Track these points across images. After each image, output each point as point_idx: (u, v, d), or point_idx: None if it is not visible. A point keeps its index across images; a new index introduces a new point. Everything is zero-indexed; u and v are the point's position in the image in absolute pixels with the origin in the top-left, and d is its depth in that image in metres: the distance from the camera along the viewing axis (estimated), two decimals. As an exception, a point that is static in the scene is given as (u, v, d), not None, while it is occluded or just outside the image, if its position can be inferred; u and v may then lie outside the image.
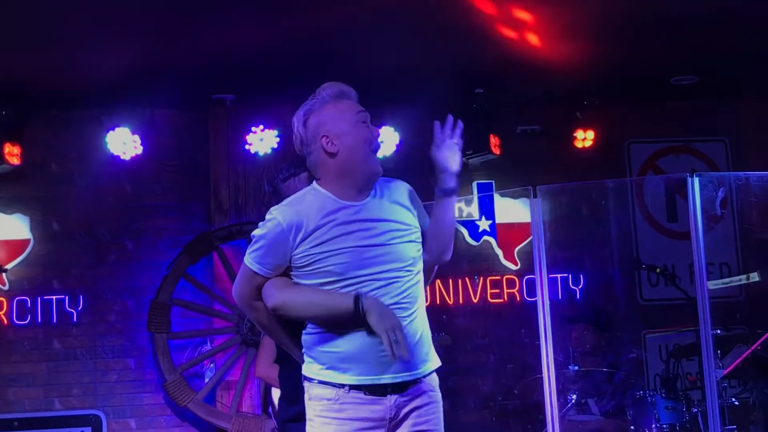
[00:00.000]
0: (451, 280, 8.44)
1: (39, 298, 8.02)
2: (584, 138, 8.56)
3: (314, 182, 3.71)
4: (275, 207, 3.65)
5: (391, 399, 3.57)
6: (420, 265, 3.72)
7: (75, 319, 8.06)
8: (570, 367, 7.31)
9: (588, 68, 7.74)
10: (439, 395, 3.74)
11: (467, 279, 8.51)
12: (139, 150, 7.96)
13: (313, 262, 3.57)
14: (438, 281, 8.34)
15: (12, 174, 7.86)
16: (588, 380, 7.36)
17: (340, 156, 3.63)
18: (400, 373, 3.56)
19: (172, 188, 8.37)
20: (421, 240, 3.76)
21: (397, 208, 3.72)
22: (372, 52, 7.22)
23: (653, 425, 6.94)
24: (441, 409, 3.74)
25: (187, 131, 8.34)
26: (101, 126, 7.93)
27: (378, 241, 3.59)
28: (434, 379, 3.73)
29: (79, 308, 8.06)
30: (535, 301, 6.47)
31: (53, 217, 8.14)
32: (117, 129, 7.88)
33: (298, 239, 3.56)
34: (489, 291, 8.57)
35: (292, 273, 3.64)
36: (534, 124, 8.72)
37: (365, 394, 3.55)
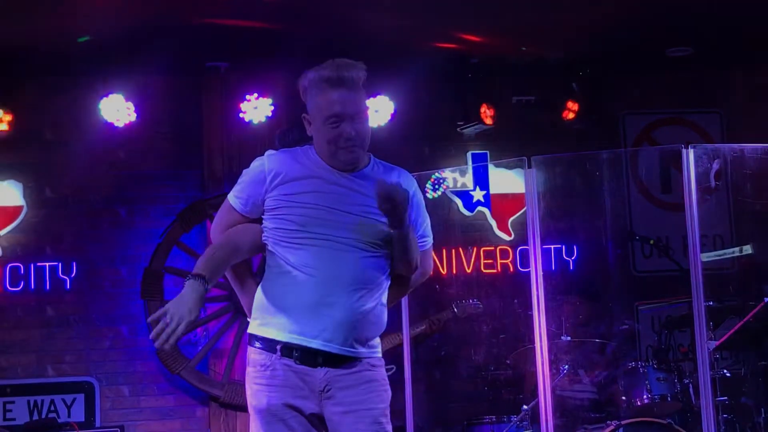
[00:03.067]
0: (444, 250, 8.44)
1: (32, 265, 8.00)
2: (579, 109, 8.53)
3: (311, 146, 3.77)
4: (269, 151, 3.76)
5: (322, 371, 3.59)
6: (387, 253, 3.70)
7: (68, 286, 8.05)
8: (562, 337, 7.31)
9: (583, 39, 7.72)
10: (379, 374, 3.71)
11: (461, 249, 8.51)
12: (133, 117, 7.92)
13: (280, 206, 3.64)
14: (431, 251, 8.32)
15: (5, 141, 7.83)
16: (580, 351, 7.37)
17: (315, 142, 3.74)
18: (330, 342, 3.57)
19: (166, 156, 8.35)
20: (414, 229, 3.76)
21: None
22: (367, 20, 7.18)
23: (645, 396, 6.96)
24: (381, 387, 3.70)
25: (181, 99, 8.31)
26: (95, 92, 7.88)
27: (349, 209, 3.63)
28: (375, 360, 3.72)
29: (72, 275, 8.05)
30: (529, 272, 6.47)
31: (46, 184, 8.11)
32: (111, 96, 7.84)
33: (275, 183, 3.66)
34: (482, 261, 8.57)
35: (263, 216, 3.71)
36: (529, 95, 8.70)
37: (296, 362, 3.58)
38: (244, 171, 3.80)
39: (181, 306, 3.53)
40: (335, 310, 3.57)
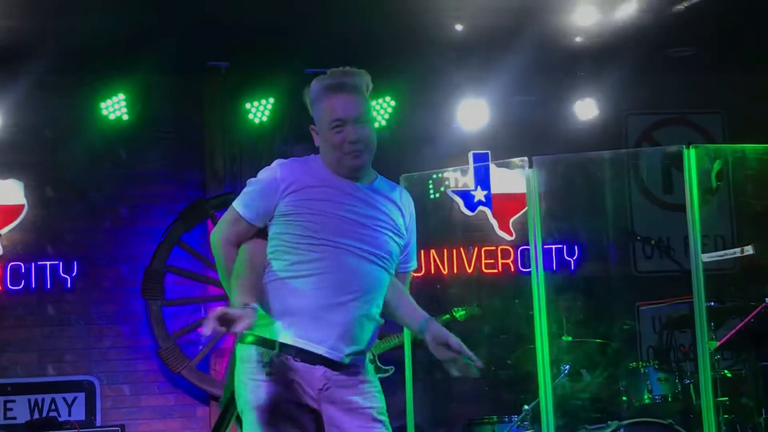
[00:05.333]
0: (445, 250, 8.43)
1: (33, 264, 8.00)
2: (581, 109, 8.53)
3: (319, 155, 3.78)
4: (278, 160, 3.75)
5: (320, 370, 3.59)
6: (392, 268, 3.75)
7: (69, 285, 8.05)
8: (563, 338, 7.32)
9: (585, 39, 7.71)
10: (372, 375, 3.76)
11: (462, 249, 8.50)
12: (134, 116, 7.93)
13: (294, 212, 3.63)
14: (432, 251, 8.34)
15: (6, 139, 7.83)
16: (581, 351, 7.37)
17: (322, 151, 3.74)
18: (333, 350, 3.58)
19: (167, 155, 8.35)
20: (401, 249, 3.79)
21: (394, 208, 3.78)
22: (368, 19, 7.18)
23: (645, 396, 6.96)
24: (378, 388, 3.74)
25: (182, 98, 8.31)
26: (96, 91, 7.90)
27: (362, 220, 3.65)
28: (368, 365, 3.77)
29: (73, 274, 8.05)
30: (530, 272, 6.47)
31: (47, 182, 8.12)
32: (112, 95, 7.85)
33: (289, 190, 3.64)
34: (483, 261, 8.56)
35: (271, 222, 3.68)
36: (530, 95, 8.69)
37: (294, 360, 3.57)
38: (251, 180, 3.76)
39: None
40: (341, 317, 3.58)
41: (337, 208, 3.63)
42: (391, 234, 3.71)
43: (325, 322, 3.57)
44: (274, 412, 3.57)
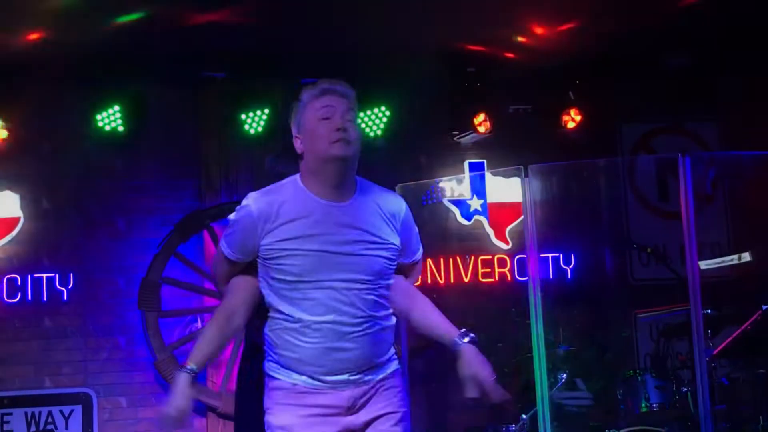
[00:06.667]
0: (442, 260, 8.44)
1: (29, 276, 7.98)
2: (576, 118, 8.54)
3: (297, 175, 3.73)
4: (252, 193, 3.69)
5: (348, 392, 3.62)
6: (387, 281, 3.72)
7: (65, 297, 8.03)
8: (560, 346, 7.32)
9: (580, 47, 7.73)
10: (397, 381, 3.78)
11: (458, 258, 8.50)
12: (130, 127, 7.92)
13: (275, 257, 3.60)
14: (429, 260, 8.34)
15: (2, 151, 7.82)
16: (578, 359, 7.37)
17: (306, 156, 3.67)
18: (352, 375, 3.61)
19: (163, 166, 8.34)
20: (395, 256, 3.74)
21: (378, 221, 3.70)
22: (363, 29, 7.19)
23: (643, 404, 6.96)
24: (403, 392, 3.77)
25: (177, 109, 8.29)
26: (92, 103, 7.89)
27: (344, 249, 3.59)
28: (396, 371, 3.78)
29: (70, 286, 8.03)
30: (526, 281, 6.47)
31: (43, 194, 8.10)
32: (107, 106, 7.85)
33: (267, 229, 3.60)
34: (480, 270, 8.56)
35: (259, 261, 3.68)
36: (526, 104, 8.70)
37: (322, 385, 3.61)
38: (231, 219, 3.73)
39: (173, 401, 3.71)
40: (351, 353, 3.59)
41: (318, 243, 3.57)
42: (377, 252, 3.66)
43: (336, 361, 3.59)
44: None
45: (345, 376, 3.61)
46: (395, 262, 3.75)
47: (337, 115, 3.62)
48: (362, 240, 3.63)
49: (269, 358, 3.72)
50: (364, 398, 3.65)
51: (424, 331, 3.83)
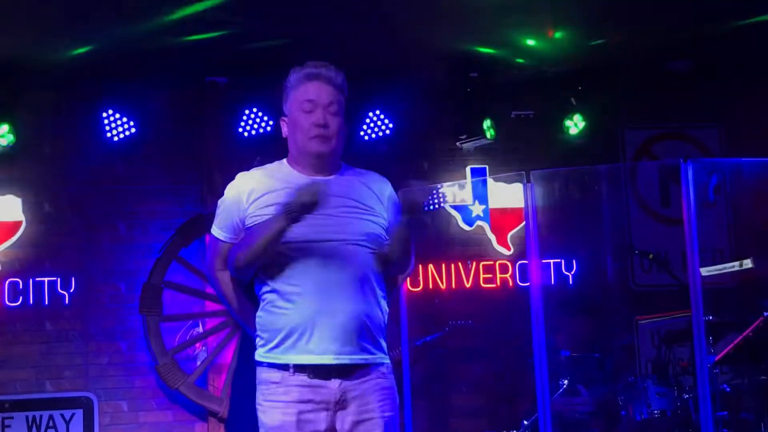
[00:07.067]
0: (444, 265, 8.43)
1: (31, 280, 7.98)
2: (578, 123, 8.54)
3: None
4: (241, 173, 3.80)
5: (336, 383, 3.60)
6: (379, 248, 3.71)
7: (67, 301, 8.03)
8: (562, 352, 7.31)
9: (582, 53, 7.73)
10: (390, 381, 3.75)
11: (460, 264, 8.50)
12: (132, 132, 7.94)
13: (260, 222, 3.63)
14: (431, 266, 8.33)
15: (4, 155, 7.83)
16: (579, 366, 7.37)
17: (289, 141, 3.80)
18: (340, 354, 3.58)
19: (165, 170, 8.34)
20: (384, 228, 3.76)
21: (365, 191, 3.76)
22: (366, 34, 7.19)
23: (644, 411, 6.95)
24: (393, 395, 3.75)
25: (180, 113, 8.30)
26: (94, 107, 7.90)
27: (329, 212, 3.61)
28: (385, 367, 3.75)
29: (71, 290, 8.04)
30: (528, 287, 6.47)
31: (45, 198, 8.10)
32: (110, 110, 7.86)
33: (251, 199, 3.68)
34: (482, 276, 8.56)
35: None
36: (528, 110, 8.70)
37: (309, 377, 3.59)
38: (219, 201, 3.82)
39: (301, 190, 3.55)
40: (337, 317, 3.58)
41: None
42: (365, 217, 3.70)
43: (323, 328, 3.57)
44: None
45: (331, 356, 3.57)
46: (383, 239, 3.75)
47: (319, 109, 3.70)
48: (346, 206, 3.68)
49: (259, 344, 3.71)
50: (355, 392, 3.62)
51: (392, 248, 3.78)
